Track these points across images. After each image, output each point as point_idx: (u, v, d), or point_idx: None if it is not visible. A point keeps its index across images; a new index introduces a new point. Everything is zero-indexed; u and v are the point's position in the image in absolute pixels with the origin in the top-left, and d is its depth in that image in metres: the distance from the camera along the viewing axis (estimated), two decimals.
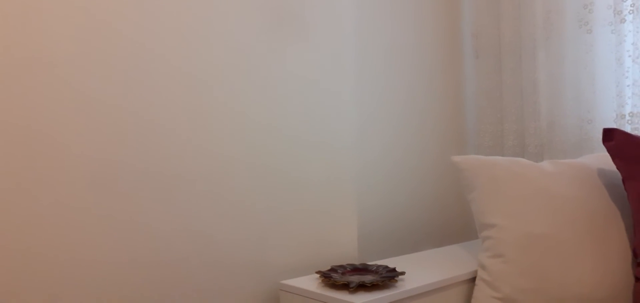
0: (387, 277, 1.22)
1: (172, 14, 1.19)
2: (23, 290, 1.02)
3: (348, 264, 1.34)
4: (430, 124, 1.91)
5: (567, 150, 1.72)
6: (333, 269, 1.30)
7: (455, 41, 1.99)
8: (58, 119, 1.06)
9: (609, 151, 1.32)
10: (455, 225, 1.98)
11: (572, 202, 1.31)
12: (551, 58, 1.76)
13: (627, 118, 1.60)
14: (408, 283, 1.24)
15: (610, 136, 1.32)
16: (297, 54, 1.39)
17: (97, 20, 1.10)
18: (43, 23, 1.04)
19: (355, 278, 1.24)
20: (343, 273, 1.29)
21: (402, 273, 1.25)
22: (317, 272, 1.27)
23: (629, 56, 1.60)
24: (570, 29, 1.72)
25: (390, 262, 1.45)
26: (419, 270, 1.36)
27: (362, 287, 1.20)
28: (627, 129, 1.60)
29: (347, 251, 1.50)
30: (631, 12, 1.59)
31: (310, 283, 1.27)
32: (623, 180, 1.30)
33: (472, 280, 1.35)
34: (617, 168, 1.31)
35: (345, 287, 1.21)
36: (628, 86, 1.61)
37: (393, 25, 1.81)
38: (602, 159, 1.48)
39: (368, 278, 1.24)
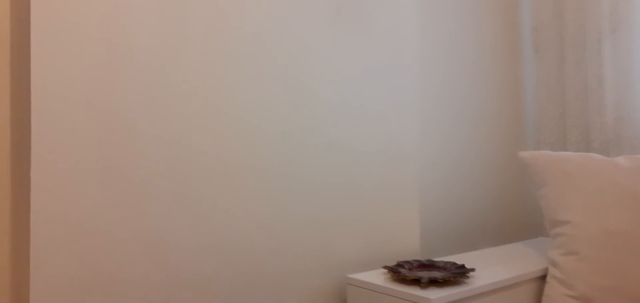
0: (458, 273, 1.20)
1: (241, 9, 1.19)
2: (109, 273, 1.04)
3: (414, 260, 1.33)
4: (489, 119, 1.87)
5: (637, 146, 1.66)
6: (400, 265, 1.29)
7: (514, 35, 1.95)
8: (142, 105, 1.07)
9: None
10: (514, 222, 1.94)
11: None
12: (619, 51, 1.71)
13: None
14: (478, 280, 1.21)
15: None
16: (360, 49, 1.38)
17: (173, 9, 1.11)
18: (123, 14, 1.05)
19: (424, 274, 1.22)
20: (410, 269, 1.27)
21: (472, 269, 1.22)
22: (384, 267, 1.26)
23: None
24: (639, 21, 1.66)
25: (454, 259, 1.43)
26: (486, 267, 1.33)
27: (434, 282, 1.18)
28: None
29: (410, 248, 1.48)
30: None
31: (377, 277, 1.26)
32: None
33: (542, 278, 1.32)
34: None
35: (415, 282, 1.19)
36: None
37: (452, 20, 1.78)
38: None
39: (439, 274, 1.22)
